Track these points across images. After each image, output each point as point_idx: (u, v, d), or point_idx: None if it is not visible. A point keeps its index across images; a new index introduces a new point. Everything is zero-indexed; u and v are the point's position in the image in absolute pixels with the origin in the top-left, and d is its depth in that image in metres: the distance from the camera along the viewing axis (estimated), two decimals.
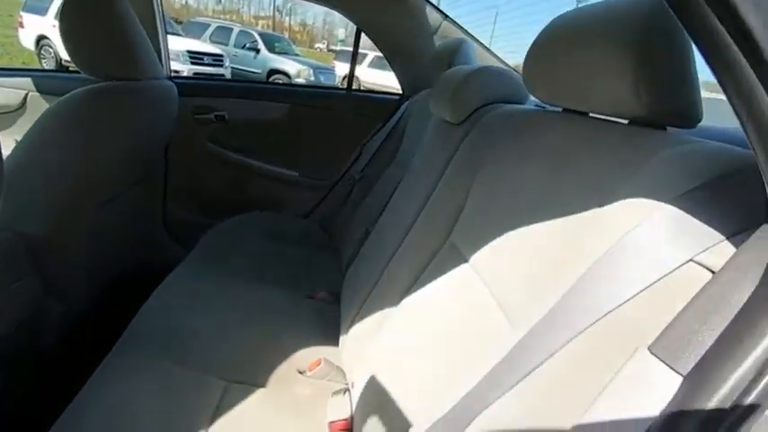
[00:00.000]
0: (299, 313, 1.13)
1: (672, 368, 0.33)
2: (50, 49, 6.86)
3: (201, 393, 0.84)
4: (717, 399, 0.29)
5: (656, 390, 0.33)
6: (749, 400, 0.28)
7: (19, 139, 1.01)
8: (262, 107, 1.72)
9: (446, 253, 0.81)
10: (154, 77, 1.22)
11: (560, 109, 0.72)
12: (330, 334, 1.06)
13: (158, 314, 1.00)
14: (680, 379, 0.32)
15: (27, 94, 1.54)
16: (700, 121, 0.50)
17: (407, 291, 0.86)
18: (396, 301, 0.88)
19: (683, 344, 0.33)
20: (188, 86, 1.58)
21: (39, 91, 1.54)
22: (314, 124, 1.75)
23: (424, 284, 0.81)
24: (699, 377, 0.31)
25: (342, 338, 1.03)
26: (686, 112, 0.49)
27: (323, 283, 1.29)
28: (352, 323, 0.98)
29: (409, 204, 1.00)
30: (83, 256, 1.15)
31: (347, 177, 1.70)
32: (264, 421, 0.83)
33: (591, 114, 0.65)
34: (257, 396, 0.88)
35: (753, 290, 0.31)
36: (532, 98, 0.79)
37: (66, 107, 1.03)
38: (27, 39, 7.08)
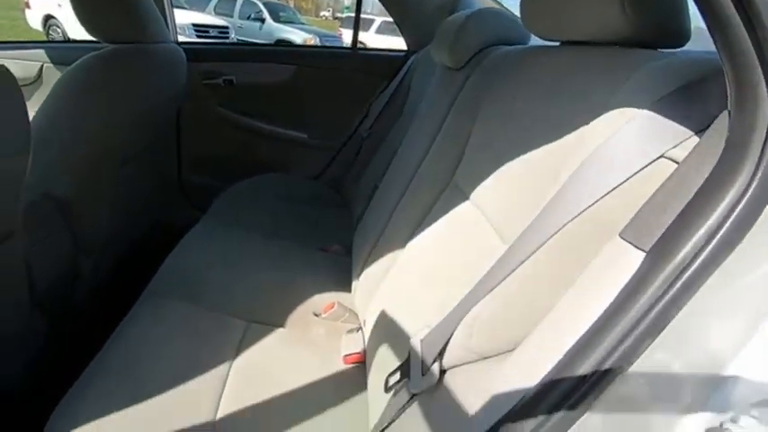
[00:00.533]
0: (313, 264, 1.18)
1: (637, 246, 0.36)
2: (58, 29, 6.88)
3: (224, 333, 0.91)
4: (672, 265, 0.32)
5: (625, 268, 0.36)
6: (699, 261, 0.32)
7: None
8: (268, 69, 1.73)
9: (449, 193, 0.84)
10: (161, 41, 1.25)
11: (559, 43, 0.73)
12: (343, 281, 1.12)
13: (180, 266, 1.06)
14: (643, 255, 0.36)
15: (42, 66, 1.58)
16: (688, 39, 0.51)
17: (413, 233, 0.90)
18: (403, 243, 0.92)
19: (648, 225, 0.36)
20: (195, 51, 1.60)
21: (53, 62, 1.58)
22: (321, 85, 1.76)
23: (428, 225, 0.85)
24: (659, 250, 0.34)
25: (354, 284, 1.08)
26: (674, 31, 0.51)
27: (335, 239, 1.34)
28: (363, 268, 1.03)
29: (414, 152, 1.02)
30: (106, 216, 1.22)
31: (355, 137, 1.72)
32: (284, 356, 0.90)
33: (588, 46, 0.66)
34: (276, 335, 0.95)
35: (709, 173, 0.34)
36: (535, 39, 0.80)
37: (75, 75, 1.07)
38: (34, 19, 7.09)
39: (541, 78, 0.67)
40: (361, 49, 1.86)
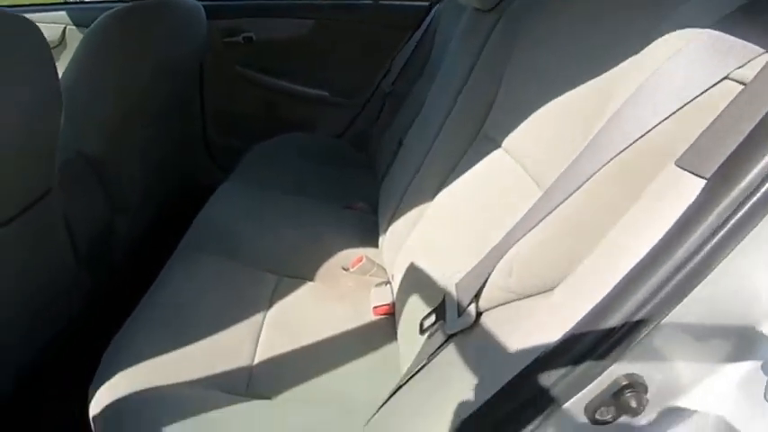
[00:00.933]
0: (339, 221, 1.18)
1: (696, 174, 0.34)
2: None
3: (257, 286, 0.94)
4: (736, 191, 0.30)
5: (681, 197, 0.34)
6: (763, 190, 0.29)
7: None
8: (287, 25, 1.68)
9: (480, 143, 0.82)
10: None
11: None
12: (370, 238, 1.12)
13: (211, 222, 1.08)
14: (703, 182, 0.33)
15: (65, 29, 1.58)
16: None
17: (442, 185, 0.88)
18: (431, 196, 0.90)
19: (710, 150, 0.33)
20: (214, 8, 1.56)
21: (75, 24, 1.58)
22: (341, 39, 1.70)
23: (458, 176, 0.83)
24: (721, 175, 0.32)
25: (381, 239, 1.08)
26: None
27: (360, 197, 1.34)
28: (390, 223, 1.03)
29: (441, 104, 0.99)
30: (136, 175, 1.24)
31: (378, 93, 1.67)
32: (315, 308, 0.92)
33: None
34: (306, 288, 0.97)
35: None
36: None
37: (93, 36, 1.06)
38: None
39: (584, 11, 0.62)
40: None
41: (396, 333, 0.87)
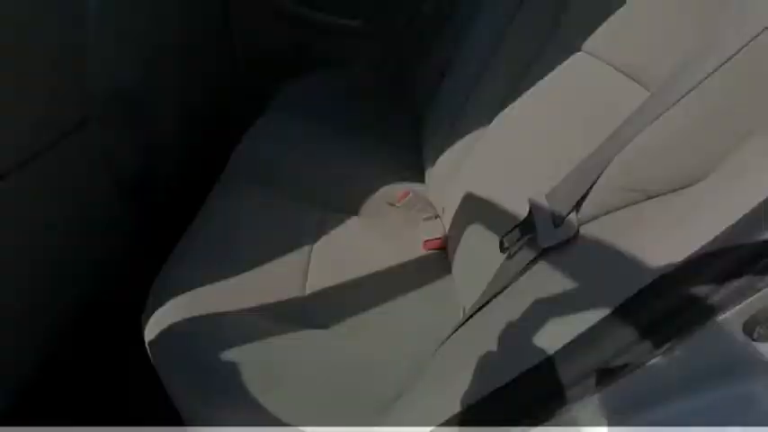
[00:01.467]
0: (382, 154, 1.12)
1: None
2: None
3: (302, 218, 0.90)
4: None
5: None
6: None
7: None
8: None
9: (552, 50, 0.71)
10: None
11: None
12: (414, 172, 1.06)
13: (251, 156, 1.03)
14: None
15: None
16: None
17: (502, 104, 0.79)
18: (488, 119, 0.82)
19: None
20: None
21: None
22: None
23: (525, 91, 0.73)
24: None
25: (427, 172, 1.02)
26: None
27: (399, 135, 1.26)
28: (439, 153, 0.95)
29: (497, 15, 0.88)
30: (171, 111, 1.19)
31: (416, 18, 1.53)
32: (363, 241, 0.88)
33: None
34: (352, 222, 0.92)
35: None
36: None
37: None
38: None
39: None
40: None
41: (448, 266, 0.82)
